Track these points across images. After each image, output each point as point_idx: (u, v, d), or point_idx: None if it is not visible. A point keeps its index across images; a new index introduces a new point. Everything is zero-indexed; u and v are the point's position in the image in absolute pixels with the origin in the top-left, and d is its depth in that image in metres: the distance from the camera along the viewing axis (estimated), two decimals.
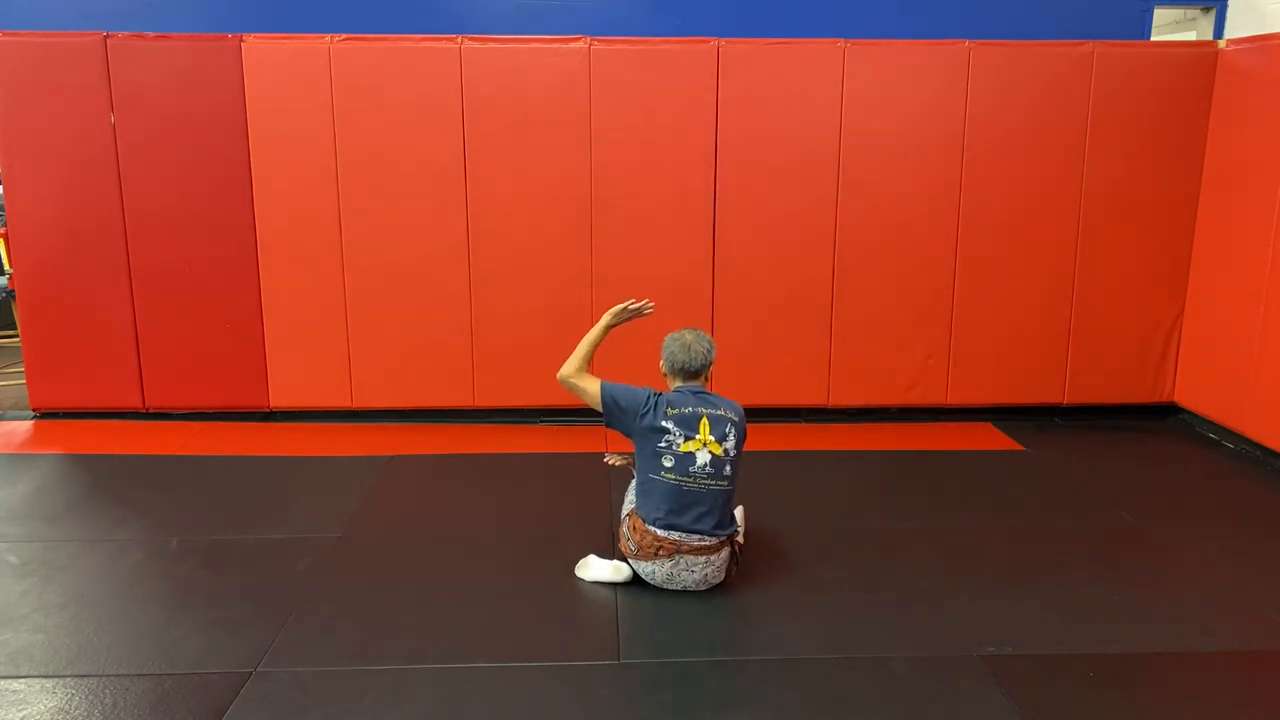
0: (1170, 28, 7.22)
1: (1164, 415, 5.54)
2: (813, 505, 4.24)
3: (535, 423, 5.41)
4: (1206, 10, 6.65)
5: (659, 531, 3.27)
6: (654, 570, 3.32)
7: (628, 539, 3.39)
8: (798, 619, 3.22)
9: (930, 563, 3.65)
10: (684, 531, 3.26)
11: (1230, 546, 3.81)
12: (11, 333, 7.03)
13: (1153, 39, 6.57)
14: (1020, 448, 5.06)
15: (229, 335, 5.28)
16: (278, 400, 5.39)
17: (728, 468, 3.29)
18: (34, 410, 5.44)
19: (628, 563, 3.40)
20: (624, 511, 3.50)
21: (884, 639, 3.09)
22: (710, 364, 3.42)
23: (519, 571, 3.57)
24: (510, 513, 4.12)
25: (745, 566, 3.51)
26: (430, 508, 4.22)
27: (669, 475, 3.27)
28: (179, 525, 3.97)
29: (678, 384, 3.42)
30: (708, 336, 3.46)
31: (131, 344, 5.29)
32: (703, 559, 3.28)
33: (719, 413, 3.33)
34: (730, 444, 3.30)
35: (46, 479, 4.53)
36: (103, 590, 3.42)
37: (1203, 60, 5.11)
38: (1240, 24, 6.38)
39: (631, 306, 3.56)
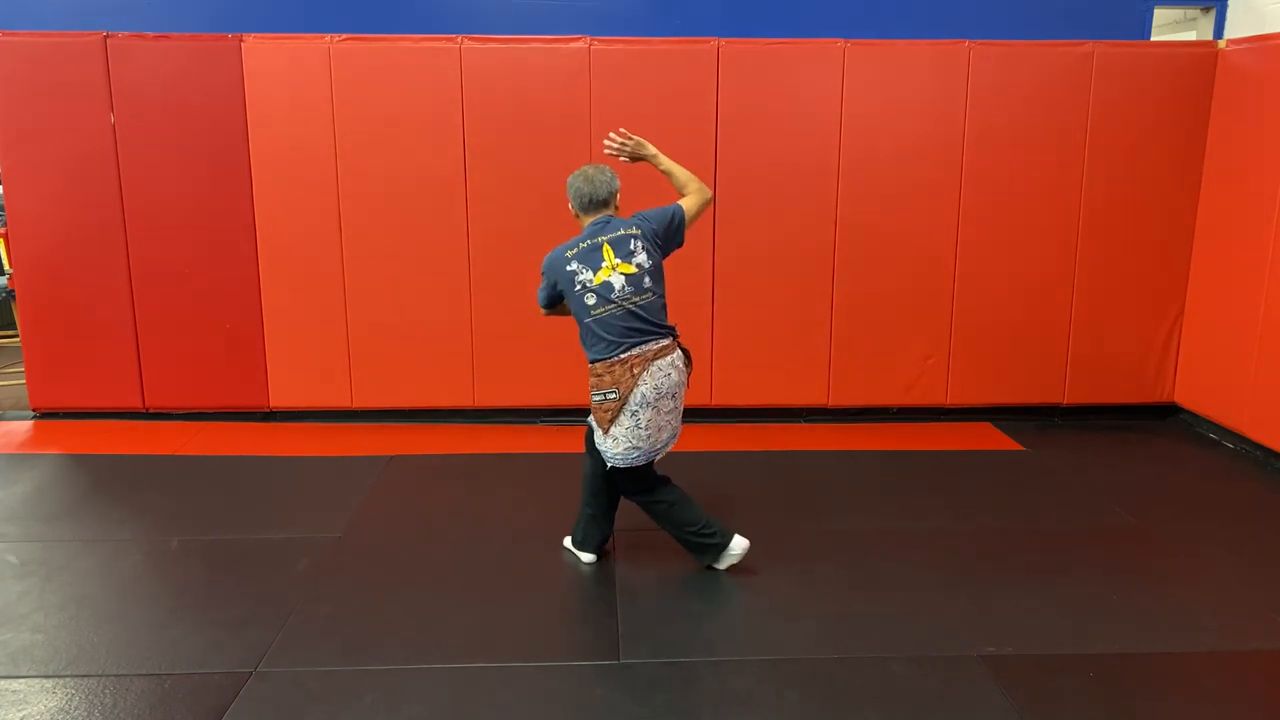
0: (1170, 28, 7.23)
1: (1164, 415, 5.54)
2: (813, 505, 4.23)
3: (535, 423, 5.41)
4: (1206, 10, 6.66)
5: (623, 355, 3.31)
6: (643, 395, 3.31)
7: (605, 397, 3.35)
8: (798, 619, 3.22)
9: (930, 563, 3.65)
10: (638, 345, 3.32)
11: (1230, 546, 3.81)
12: (11, 333, 7.03)
13: (1153, 39, 6.57)
14: (1020, 448, 5.06)
15: (229, 335, 5.29)
16: (278, 400, 5.39)
17: (646, 280, 3.36)
18: (34, 410, 5.44)
19: (607, 439, 3.39)
20: (593, 400, 3.46)
21: (884, 639, 3.09)
22: (615, 191, 3.46)
23: (519, 571, 3.57)
24: (510, 513, 4.12)
25: (747, 566, 3.53)
26: (430, 508, 4.22)
27: (597, 310, 3.33)
28: (179, 525, 3.97)
29: (588, 221, 3.47)
30: (609, 169, 3.50)
31: (131, 344, 5.29)
32: (667, 360, 3.35)
33: (619, 233, 3.38)
34: (641, 258, 3.36)
35: (46, 479, 4.54)
36: (102, 590, 3.42)
37: (1203, 60, 5.11)
38: (1240, 24, 6.39)
39: (616, 146, 3.58)
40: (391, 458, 4.82)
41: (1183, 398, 5.42)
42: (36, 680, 2.85)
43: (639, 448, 3.36)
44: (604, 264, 3.34)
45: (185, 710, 2.70)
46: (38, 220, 5.16)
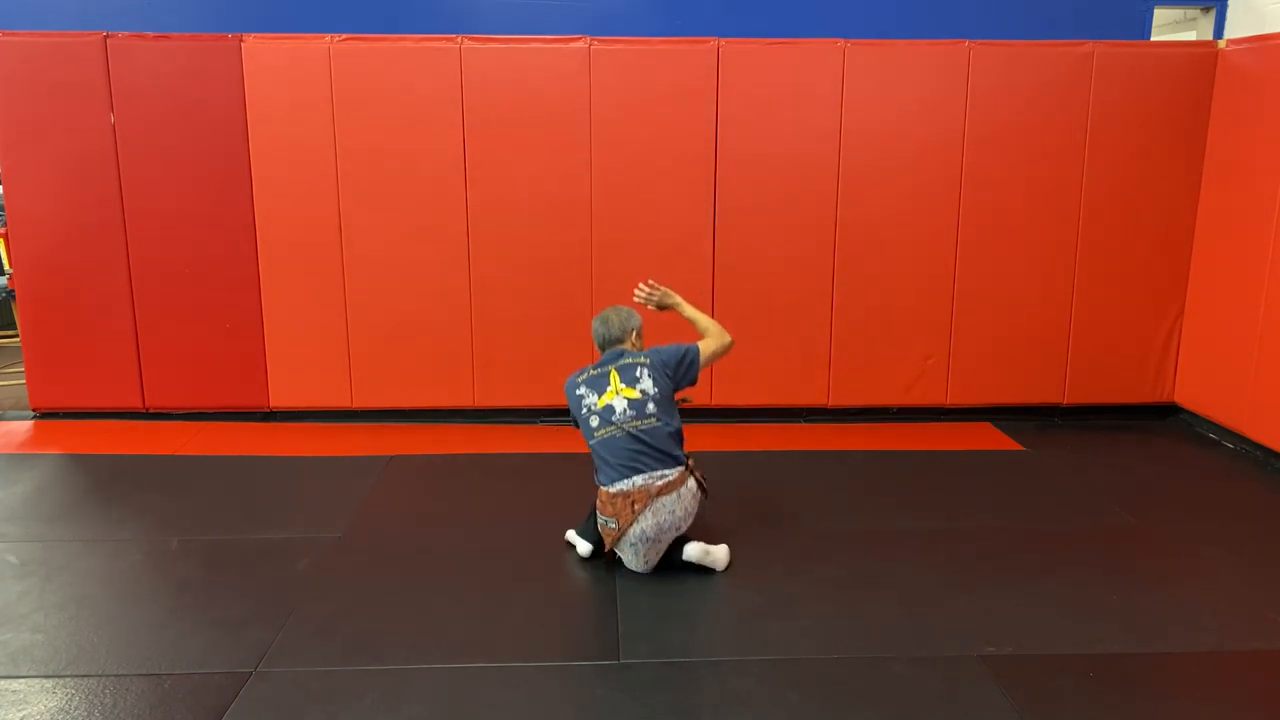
0: (1170, 28, 7.23)
1: (1164, 415, 5.54)
2: (813, 505, 4.23)
3: (535, 423, 5.41)
4: (1206, 10, 6.66)
5: (623, 486, 3.35)
6: (642, 531, 3.35)
7: (606, 523, 3.44)
8: (798, 619, 3.22)
9: (930, 563, 3.65)
10: (641, 475, 3.35)
11: (1230, 546, 3.81)
12: (11, 333, 7.03)
13: (1153, 39, 6.58)
14: (1020, 448, 5.06)
15: (229, 335, 5.29)
16: (278, 400, 5.39)
17: (650, 405, 3.42)
18: (34, 410, 5.44)
19: (618, 557, 3.49)
20: (597, 519, 3.54)
21: (884, 639, 3.09)
22: (631, 329, 3.62)
23: (519, 572, 3.57)
24: (510, 513, 4.12)
25: (747, 566, 3.53)
26: (430, 508, 4.22)
27: (600, 432, 3.44)
28: (179, 525, 3.97)
29: (604, 355, 3.60)
30: (627, 309, 3.69)
31: (131, 344, 5.29)
32: (672, 495, 3.37)
33: (628, 361, 3.51)
34: (646, 385, 3.45)
35: (46, 479, 4.53)
36: (102, 590, 3.42)
37: (1203, 60, 5.11)
38: (1240, 24, 6.39)
39: (644, 295, 3.78)
40: (391, 458, 4.82)
41: (1183, 398, 5.42)
42: (36, 680, 2.85)
43: (639, 568, 3.46)
44: (608, 388, 3.47)
45: (185, 710, 2.69)
46: (38, 220, 5.16)
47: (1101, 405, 5.51)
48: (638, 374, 3.46)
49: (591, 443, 3.46)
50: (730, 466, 4.67)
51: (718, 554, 3.53)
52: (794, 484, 4.51)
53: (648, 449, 3.38)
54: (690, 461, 3.50)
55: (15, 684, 2.82)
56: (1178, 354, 5.42)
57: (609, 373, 3.49)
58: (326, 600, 3.33)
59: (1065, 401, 5.47)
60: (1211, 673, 2.93)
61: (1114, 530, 4.01)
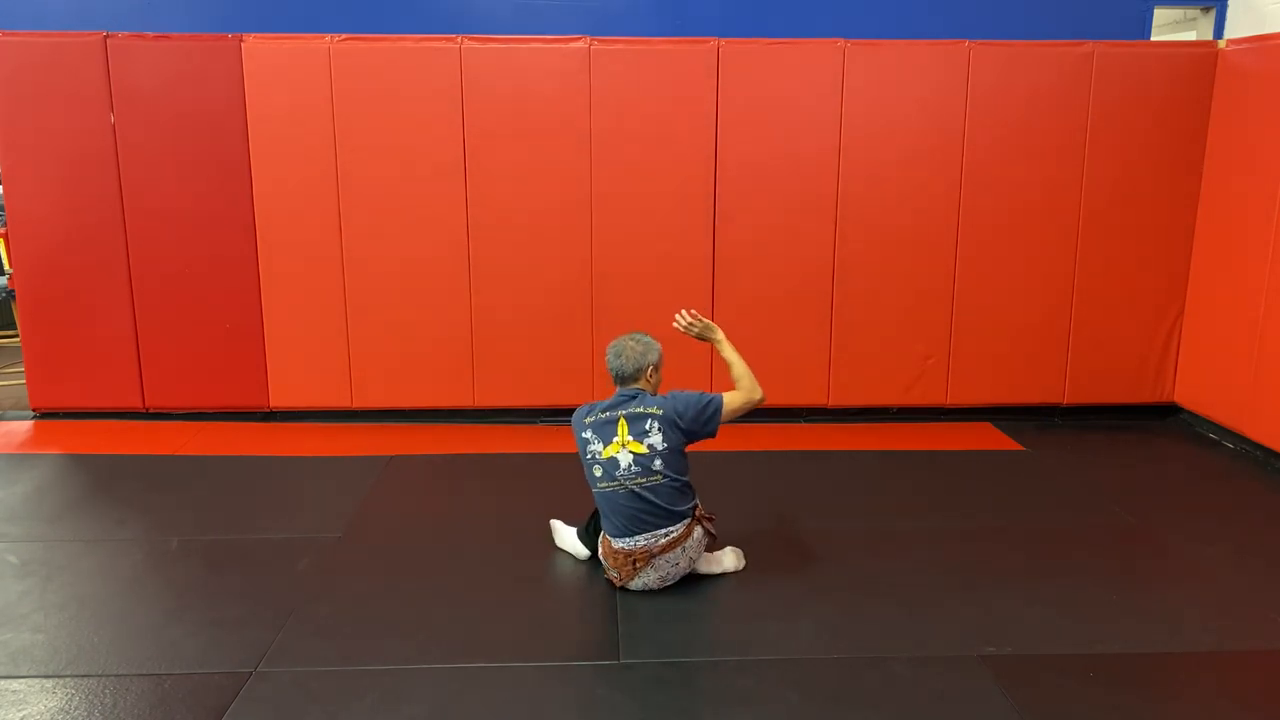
0: (1170, 28, 7.23)
1: (1164, 415, 5.54)
2: (813, 505, 4.23)
3: (535, 423, 5.41)
4: (1206, 10, 6.66)
5: (625, 544, 3.28)
6: (644, 584, 3.34)
7: (608, 570, 3.40)
8: (798, 619, 3.22)
9: (930, 563, 3.65)
10: (644, 535, 3.27)
11: (1230, 546, 3.81)
12: (11, 333, 7.03)
13: (1153, 39, 6.58)
14: (1020, 448, 5.06)
15: (229, 335, 5.28)
16: (278, 400, 5.39)
17: (657, 462, 3.25)
18: (34, 410, 5.44)
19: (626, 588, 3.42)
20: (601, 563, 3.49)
21: (884, 639, 3.09)
22: (647, 365, 3.38)
23: (519, 572, 3.57)
24: (510, 513, 4.12)
25: (747, 566, 3.55)
26: (430, 508, 4.23)
27: (603, 485, 3.31)
28: (179, 525, 3.97)
29: (618, 390, 3.42)
30: (646, 338, 3.43)
31: (131, 344, 5.29)
32: (676, 550, 3.30)
33: (638, 411, 3.30)
34: (655, 440, 3.26)
35: (46, 479, 4.53)
36: (103, 590, 3.42)
37: (1203, 60, 5.11)
38: (1240, 24, 6.39)
39: (684, 325, 3.57)
40: (391, 458, 4.82)
41: (1183, 398, 5.42)
42: (36, 680, 2.85)
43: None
44: (615, 439, 3.28)
45: (185, 710, 2.70)
46: (38, 220, 5.16)
47: (1101, 405, 5.51)
48: (647, 427, 3.27)
49: (594, 490, 3.35)
50: (730, 466, 4.67)
51: (725, 563, 3.52)
52: (794, 484, 4.51)
53: (651, 508, 3.25)
54: (698, 509, 3.37)
55: (15, 684, 2.82)
56: (1178, 354, 5.42)
57: (618, 420, 3.30)
58: (326, 600, 3.33)
59: (1065, 401, 5.47)
60: (1211, 673, 2.93)
61: (1114, 530, 4.01)
